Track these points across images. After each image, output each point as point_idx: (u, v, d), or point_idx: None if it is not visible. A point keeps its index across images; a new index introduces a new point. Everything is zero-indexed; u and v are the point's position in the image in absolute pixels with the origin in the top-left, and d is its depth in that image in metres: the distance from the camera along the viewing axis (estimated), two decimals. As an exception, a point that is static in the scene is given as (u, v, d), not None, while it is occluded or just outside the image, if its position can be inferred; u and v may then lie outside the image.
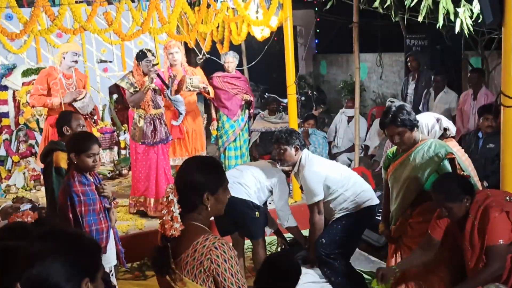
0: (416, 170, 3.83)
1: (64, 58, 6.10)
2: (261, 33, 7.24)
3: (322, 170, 4.63)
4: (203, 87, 6.59)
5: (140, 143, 6.16)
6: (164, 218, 2.40)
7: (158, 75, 5.99)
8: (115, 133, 8.46)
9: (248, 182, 4.78)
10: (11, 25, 7.59)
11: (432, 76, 7.80)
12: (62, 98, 5.96)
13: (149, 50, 6.08)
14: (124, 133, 8.45)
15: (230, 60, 7.37)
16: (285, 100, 10.16)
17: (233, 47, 8.46)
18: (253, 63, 7.76)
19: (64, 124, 4.72)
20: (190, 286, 2.37)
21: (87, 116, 6.18)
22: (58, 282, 1.73)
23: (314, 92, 11.86)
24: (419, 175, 3.81)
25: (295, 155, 4.67)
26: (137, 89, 5.98)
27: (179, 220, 2.40)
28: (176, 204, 2.41)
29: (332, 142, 8.31)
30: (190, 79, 6.36)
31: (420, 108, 7.77)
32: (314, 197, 4.57)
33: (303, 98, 11.33)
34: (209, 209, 2.50)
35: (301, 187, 5.28)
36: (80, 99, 6.04)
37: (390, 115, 3.86)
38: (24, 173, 7.60)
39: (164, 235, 2.42)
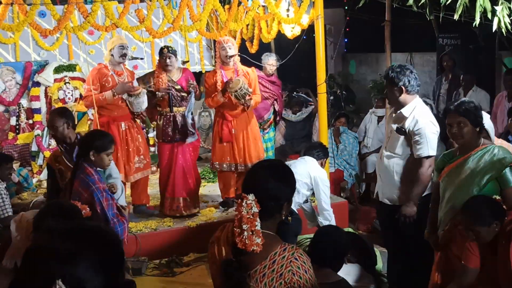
0: (475, 174, 3.64)
1: (112, 55, 5.95)
2: (291, 31, 7.19)
3: (438, 127, 4.24)
4: (248, 100, 6.03)
5: (160, 141, 6.18)
6: (244, 233, 2.25)
7: (168, 94, 5.95)
8: (144, 130, 8.50)
9: None
10: (44, 22, 7.69)
11: (461, 75, 7.64)
12: (114, 91, 5.83)
13: (167, 46, 6.05)
14: (153, 130, 8.48)
15: (273, 63, 7.29)
16: (313, 99, 10.12)
17: (263, 45, 8.43)
18: (283, 61, 7.70)
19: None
20: None
21: (138, 114, 6.15)
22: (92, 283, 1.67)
23: (343, 92, 11.76)
24: (476, 180, 3.62)
25: (400, 96, 4.22)
26: (151, 87, 5.96)
27: (261, 234, 2.27)
28: (258, 217, 2.27)
29: (362, 142, 8.22)
30: (241, 84, 5.87)
31: (439, 109, 7.66)
32: (429, 149, 4.14)
33: (332, 98, 11.25)
34: (283, 217, 2.40)
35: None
36: (136, 95, 5.87)
37: (456, 103, 3.75)
38: (55, 169, 7.70)
39: (236, 248, 2.28)
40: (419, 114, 4.19)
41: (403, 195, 4.33)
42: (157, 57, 7.50)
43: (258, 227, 2.26)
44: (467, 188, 3.66)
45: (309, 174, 4.90)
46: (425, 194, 4.32)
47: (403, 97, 4.21)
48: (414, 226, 4.26)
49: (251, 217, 2.26)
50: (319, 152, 5.30)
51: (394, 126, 4.31)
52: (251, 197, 2.28)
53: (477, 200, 3.48)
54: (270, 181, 2.36)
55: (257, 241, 2.25)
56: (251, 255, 2.27)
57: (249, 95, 6.02)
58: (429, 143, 4.16)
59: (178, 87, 6.02)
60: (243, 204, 2.27)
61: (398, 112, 4.29)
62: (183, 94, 6.05)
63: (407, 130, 4.22)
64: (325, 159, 5.30)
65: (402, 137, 4.26)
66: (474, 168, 3.66)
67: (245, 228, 2.24)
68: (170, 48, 6.02)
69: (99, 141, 4.04)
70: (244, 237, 2.24)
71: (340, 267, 3.58)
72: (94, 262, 1.67)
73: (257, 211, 2.27)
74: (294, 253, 2.29)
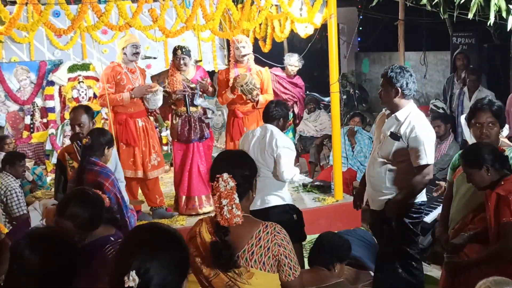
0: None
1: (125, 54, 5.98)
2: (304, 30, 7.17)
3: (434, 133, 4.07)
4: (255, 95, 6.07)
5: (175, 140, 6.20)
6: (224, 208, 2.40)
7: (184, 96, 5.96)
8: (157, 129, 8.53)
9: (275, 186, 4.50)
10: (58, 21, 7.74)
11: (466, 75, 7.47)
12: (132, 94, 5.87)
13: (181, 47, 6.02)
14: (166, 129, 8.52)
15: (296, 64, 7.17)
16: (326, 99, 10.10)
17: (276, 45, 8.42)
18: (295, 60, 7.67)
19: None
20: (258, 276, 2.43)
21: (153, 112, 6.17)
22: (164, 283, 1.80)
23: (356, 91, 11.73)
24: None
25: (394, 98, 3.98)
26: (165, 87, 5.99)
27: (240, 207, 2.44)
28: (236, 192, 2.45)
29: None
30: (248, 79, 5.93)
31: (452, 109, 7.56)
32: (428, 157, 3.91)
33: (344, 97, 11.21)
34: (254, 195, 2.61)
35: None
36: (153, 92, 5.88)
37: (485, 101, 3.65)
38: (68, 167, 7.74)
39: (219, 228, 2.43)
40: (415, 120, 3.96)
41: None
42: (170, 56, 7.55)
43: (237, 201, 2.42)
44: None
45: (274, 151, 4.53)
46: (420, 202, 4.16)
47: (398, 99, 3.99)
48: (404, 233, 4.14)
49: (230, 191, 2.41)
50: (274, 111, 4.70)
51: (388, 131, 4.07)
52: (225, 175, 2.43)
53: (476, 144, 3.52)
54: (242, 161, 2.61)
55: (238, 213, 2.41)
56: (235, 236, 2.43)
57: (257, 91, 6.06)
58: (427, 151, 3.93)
59: (193, 85, 6.05)
60: (220, 182, 2.42)
61: (393, 115, 4.06)
62: (198, 92, 6.05)
63: (402, 136, 3.99)
64: (283, 119, 4.71)
65: (396, 143, 4.02)
66: None
67: (225, 203, 2.40)
68: (184, 49, 6.00)
69: (109, 137, 4.31)
70: (224, 212, 2.39)
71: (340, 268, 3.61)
72: (167, 260, 1.81)
73: (234, 185, 2.43)
74: (275, 228, 2.51)
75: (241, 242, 2.45)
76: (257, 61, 6.61)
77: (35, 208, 3.42)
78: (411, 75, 3.99)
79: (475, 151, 3.40)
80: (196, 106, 6.10)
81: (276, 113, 4.69)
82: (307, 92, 10.96)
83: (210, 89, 6.22)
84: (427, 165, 3.94)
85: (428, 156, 3.92)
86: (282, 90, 7.09)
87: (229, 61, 6.57)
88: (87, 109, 4.79)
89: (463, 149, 3.92)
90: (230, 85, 6.12)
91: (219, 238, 2.43)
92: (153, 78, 6.28)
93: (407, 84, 3.95)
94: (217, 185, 2.42)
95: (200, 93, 6.08)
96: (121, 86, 5.92)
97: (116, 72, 5.95)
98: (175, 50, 6.04)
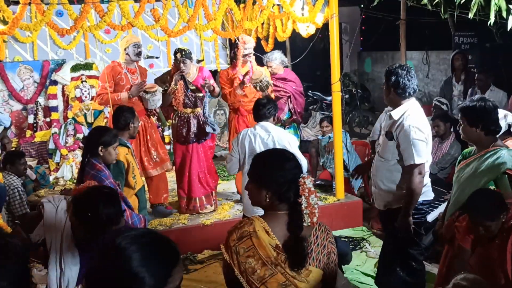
0: (476, 175, 3.63)
1: (128, 54, 6.02)
2: (306, 30, 7.18)
3: (428, 133, 3.98)
4: (270, 91, 6.26)
5: (175, 141, 6.23)
6: (316, 206, 2.44)
7: (182, 76, 5.97)
8: (160, 128, 8.57)
9: None
10: (61, 21, 7.79)
11: (476, 75, 7.46)
12: (129, 93, 5.91)
13: (182, 50, 6.03)
14: (169, 128, 8.55)
15: (272, 65, 7.06)
16: (328, 98, 10.12)
17: (278, 44, 8.44)
18: (297, 60, 7.69)
19: (130, 120, 4.91)
20: (314, 274, 2.45)
21: (152, 112, 6.23)
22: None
23: (359, 90, 11.74)
24: (475, 181, 3.60)
25: (389, 95, 4.04)
26: (166, 87, 6.02)
27: None
28: None
29: (377, 140, 8.14)
30: (263, 76, 6.13)
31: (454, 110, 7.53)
32: (416, 157, 3.87)
33: (347, 96, 11.24)
34: None
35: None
36: (152, 93, 5.94)
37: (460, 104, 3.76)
38: (71, 166, 7.79)
39: (297, 227, 2.42)
40: (408, 119, 3.92)
41: (393, 200, 4.13)
42: (172, 56, 7.61)
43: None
44: (468, 187, 3.65)
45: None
46: (421, 201, 4.12)
47: (393, 97, 4.01)
48: (409, 233, 4.12)
49: (314, 190, 2.46)
50: (270, 109, 4.84)
51: (384, 130, 4.11)
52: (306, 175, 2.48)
53: (481, 195, 3.40)
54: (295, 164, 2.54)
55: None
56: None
57: (271, 87, 6.24)
58: (416, 151, 3.87)
59: (193, 87, 6.06)
60: (307, 181, 2.43)
61: (388, 114, 4.09)
62: (198, 94, 6.08)
63: (394, 135, 3.99)
64: (276, 113, 4.92)
65: (391, 142, 4.03)
66: (477, 169, 3.66)
67: (317, 201, 2.45)
68: (184, 52, 5.99)
69: (106, 136, 4.15)
70: (317, 210, 2.44)
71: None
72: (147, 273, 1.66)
73: None
74: (325, 226, 2.55)
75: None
76: (258, 61, 6.64)
77: (49, 200, 3.34)
78: (408, 73, 3.95)
79: (487, 203, 3.30)
80: (196, 107, 6.13)
81: (269, 111, 4.81)
82: (310, 91, 10.99)
83: (217, 89, 6.22)
84: (416, 164, 3.89)
85: (416, 155, 3.87)
86: (274, 88, 7.10)
87: (231, 60, 6.60)
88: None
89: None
90: (236, 83, 6.17)
91: (295, 236, 2.42)
92: (156, 80, 6.31)
93: (398, 82, 3.94)
94: (304, 184, 2.43)
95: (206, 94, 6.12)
96: (120, 86, 5.95)
97: (116, 71, 5.98)
98: (175, 53, 6.06)
